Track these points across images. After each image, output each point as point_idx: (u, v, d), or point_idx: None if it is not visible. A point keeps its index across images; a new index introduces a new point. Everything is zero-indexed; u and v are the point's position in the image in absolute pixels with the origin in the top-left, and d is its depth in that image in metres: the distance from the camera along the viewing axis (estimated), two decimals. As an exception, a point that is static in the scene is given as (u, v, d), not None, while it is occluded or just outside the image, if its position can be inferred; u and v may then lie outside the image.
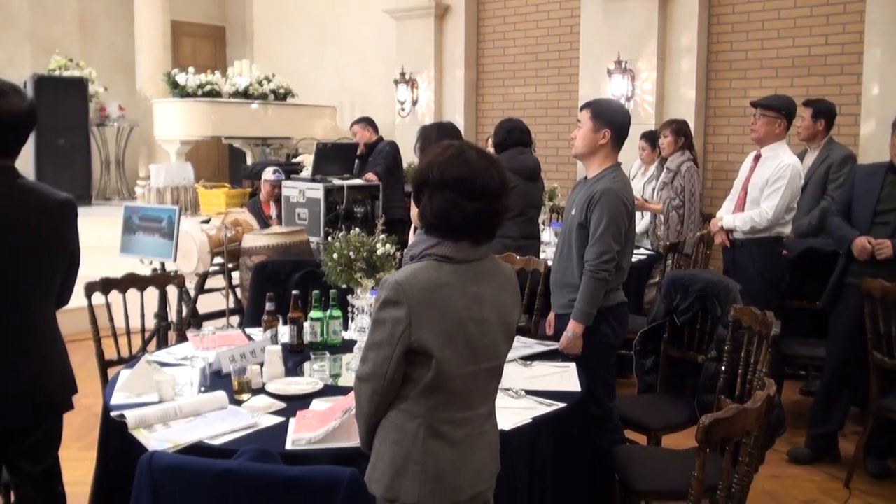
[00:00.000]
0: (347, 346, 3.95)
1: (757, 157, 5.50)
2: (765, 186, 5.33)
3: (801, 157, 6.03)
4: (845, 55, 7.94)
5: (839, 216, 5.09)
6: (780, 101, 5.48)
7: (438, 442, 2.41)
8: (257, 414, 3.11)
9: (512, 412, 3.13)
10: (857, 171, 5.28)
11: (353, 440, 2.64)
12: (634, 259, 5.23)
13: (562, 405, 3.27)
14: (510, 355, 3.72)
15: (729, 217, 5.49)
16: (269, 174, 7.74)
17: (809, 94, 6.93)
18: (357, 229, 3.95)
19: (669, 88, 8.79)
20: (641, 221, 7.11)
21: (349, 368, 3.57)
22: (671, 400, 4.52)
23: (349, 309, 4.11)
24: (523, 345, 4.13)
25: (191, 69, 10.94)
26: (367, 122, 8.75)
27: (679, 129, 7.28)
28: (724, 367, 4.07)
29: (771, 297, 5.18)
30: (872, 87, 7.65)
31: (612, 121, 4.04)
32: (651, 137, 7.69)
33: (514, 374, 3.62)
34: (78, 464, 4.40)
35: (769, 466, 4.76)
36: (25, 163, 9.85)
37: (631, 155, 7.59)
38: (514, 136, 5.77)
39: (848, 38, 7.91)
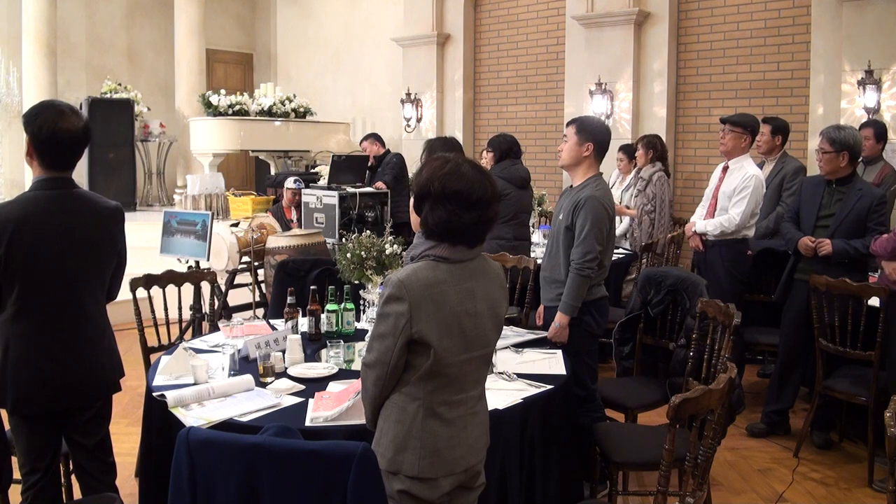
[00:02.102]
0: (360, 334, 3.94)
1: (725, 169, 5.49)
2: (732, 195, 5.33)
3: (760, 168, 6.02)
4: (794, 80, 7.95)
5: (790, 221, 5.11)
6: (746, 119, 5.48)
7: (436, 421, 2.40)
8: (280, 395, 3.11)
9: (505, 393, 3.13)
10: (804, 183, 5.30)
11: (363, 419, 2.63)
12: (614, 258, 5.20)
13: (549, 387, 3.26)
14: (504, 343, 3.77)
15: (701, 223, 5.48)
16: (290, 183, 7.73)
17: (764, 114, 6.93)
18: (368, 232, 3.96)
19: (644, 107, 8.77)
20: (621, 225, 7.09)
21: (360, 355, 3.56)
22: (646, 382, 4.50)
23: (361, 302, 4.12)
24: (515, 334, 4.13)
25: (222, 91, 10.95)
26: (376, 137, 8.76)
27: (651, 142, 7.27)
28: (691, 353, 4.07)
29: (735, 291, 5.18)
30: (818, 108, 7.68)
31: (594, 135, 4.03)
32: (628, 150, 7.68)
33: (508, 360, 3.61)
34: (126, 438, 4.42)
35: (730, 440, 4.76)
36: (80, 174, 9.87)
37: (610, 166, 7.59)
38: (507, 148, 5.77)
39: (796, 64, 7.93)
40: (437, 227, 2.40)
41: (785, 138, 6.24)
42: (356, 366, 3.49)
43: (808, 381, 5.20)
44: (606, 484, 3.71)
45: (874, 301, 4.60)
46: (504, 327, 2.86)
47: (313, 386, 3.22)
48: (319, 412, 2.87)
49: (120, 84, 11.22)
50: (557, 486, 3.27)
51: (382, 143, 8.73)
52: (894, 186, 5.96)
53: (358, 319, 4.14)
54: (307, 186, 7.79)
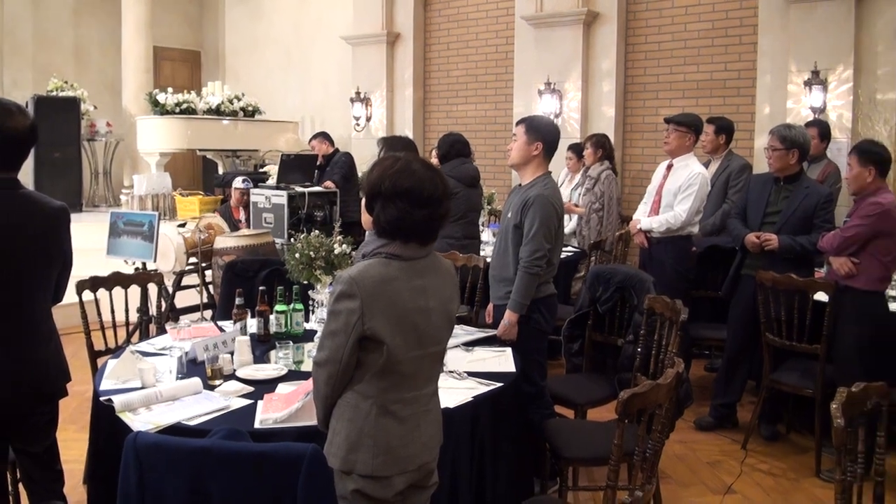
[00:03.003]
0: (309, 335, 3.92)
1: (669, 167, 5.57)
2: (678, 192, 5.41)
3: (705, 166, 6.11)
4: (741, 80, 8.07)
5: (737, 218, 5.19)
6: (690, 118, 5.57)
7: (389, 419, 2.40)
8: (229, 397, 3.08)
9: (456, 392, 3.14)
10: (751, 180, 5.40)
11: (314, 420, 2.61)
12: (563, 256, 5.25)
13: (499, 385, 3.28)
14: (455, 341, 3.78)
15: (647, 220, 5.56)
16: (238, 183, 7.68)
17: (711, 113, 7.04)
18: (317, 231, 3.93)
19: (592, 107, 8.84)
20: (569, 223, 7.15)
21: (310, 356, 3.54)
22: (595, 378, 4.54)
23: (310, 302, 4.09)
24: (465, 332, 4.14)
25: (170, 89, 10.82)
26: (325, 136, 8.73)
27: (599, 142, 7.33)
28: (639, 349, 4.11)
29: (681, 287, 5.25)
30: (764, 108, 7.80)
31: (543, 135, 4.04)
32: (576, 149, 7.73)
33: (458, 358, 3.62)
34: (73, 444, 4.33)
35: (679, 433, 4.83)
36: (25, 174, 9.58)
37: (559, 164, 7.65)
38: (457, 148, 5.77)
39: (743, 65, 8.06)
40: (388, 225, 2.40)
41: (729, 137, 6.35)
42: (306, 367, 3.48)
43: (754, 374, 5.27)
44: (556, 480, 3.74)
45: (820, 296, 4.70)
46: (455, 326, 2.87)
47: (262, 388, 3.20)
48: (269, 414, 2.85)
49: (66, 82, 11.04)
50: (508, 482, 3.29)
51: (332, 143, 8.70)
52: (839, 184, 6.10)
53: (307, 320, 4.12)
54: (255, 186, 7.74)
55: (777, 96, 7.64)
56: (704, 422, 5.28)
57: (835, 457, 2.49)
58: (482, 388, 3.24)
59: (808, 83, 7.27)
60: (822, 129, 6.28)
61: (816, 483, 4.50)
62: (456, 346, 3.79)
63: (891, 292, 4.92)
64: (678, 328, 3.76)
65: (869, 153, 4.48)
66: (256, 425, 2.79)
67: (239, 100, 11.21)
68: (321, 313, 3.89)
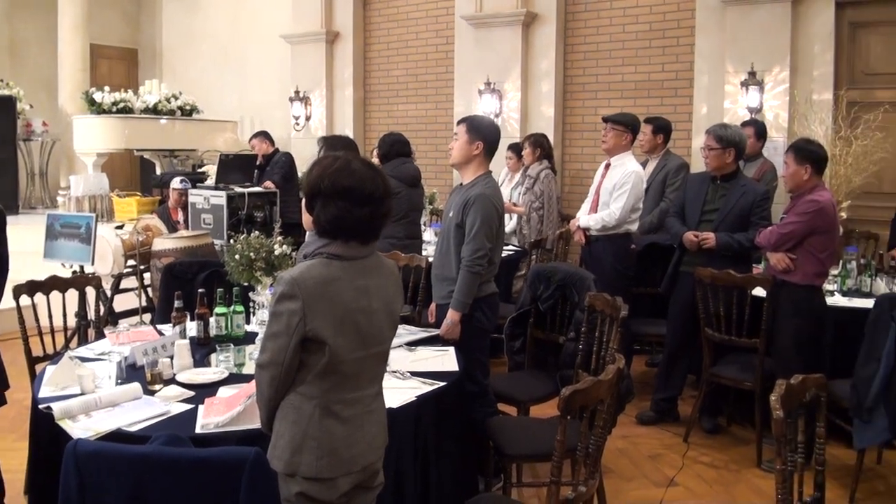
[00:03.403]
0: (250, 337, 3.88)
1: (607, 166, 5.64)
2: (613, 190, 5.48)
3: (644, 165, 6.20)
4: (679, 80, 8.19)
5: (675, 216, 5.28)
6: (627, 118, 5.65)
7: (332, 420, 2.39)
8: (169, 402, 3.04)
9: (399, 392, 3.14)
10: (689, 179, 5.51)
11: (257, 423, 2.59)
12: (504, 254, 5.28)
13: (442, 384, 3.29)
14: (397, 341, 3.77)
15: (585, 218, 5.62)
16: (176, 183, 7.58)
17: (649, 113, 7.11)
18: (257, 232, 3.91)
19: (532, 106, 8.90)
20: (510, 222, 7.19)
21: (251, 358, 3.51)
22: (537, 376, 4.58)
23: (251, 304, 4.05)
24: (408, 332, 4.14)
25: (106, 88, 10.60)
26: (265, 135, 8.66)
27: (537, 141, 7.39)
28: (581, 346, 4.15)
29: (621, 285, 5.31)
30: (701, 108, 7.93)
31: (484, 134, 4.06)
32: (516, 149, 7.77)
33: (401, 358, 3.62)
34: (13, 454, 4.22)
35: (621, 428, 4.88)
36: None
37: (500, 164, 7.70)
38: (397, 147, 5.77)
39: (681, 66, 8.17)
40: (329, 224, 2.39)
41: (667, 137, 6.46)
42: (247, 369, 3.45)
43: (695, 369, 5.37)
44: (501, 477, 3.76)
45: (758, 291, 4.80)
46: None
47: (203, 392, 3.16)
48: (210, 418, 2.82)
49: (1, 80, 10.75)
50: (452, 481, 3.30)
51: (272, 142, 8.64)
52: (775, 182, 6.23)
53: (248, 322, 4.08)
54: (194, 186, 7.64)
55: (714, 97, 7.77)
56: (646, 416, 5.36)
57: (775, 447, 2.55)
58: (425, 387, 3.24)
59: (744, 84, 7.40)
60: (759, 128, 6.41)
61: (757, 473, 4.61)
62: (399, 346, 3.79)
63: (828, 286, 5.08)
64: (619, 325, 3.81)
65: (805, 151, 4.59)
66: (197, 430, 2.76)
67: (176, 98, 11.05)
68: (262, 315, 3.85)
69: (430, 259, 4.64)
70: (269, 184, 7.90)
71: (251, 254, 3.74)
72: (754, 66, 7.35)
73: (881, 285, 5.24)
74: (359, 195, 2.37)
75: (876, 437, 4.28)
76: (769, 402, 2.58)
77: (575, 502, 2.85)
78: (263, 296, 3.84)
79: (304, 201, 2.48)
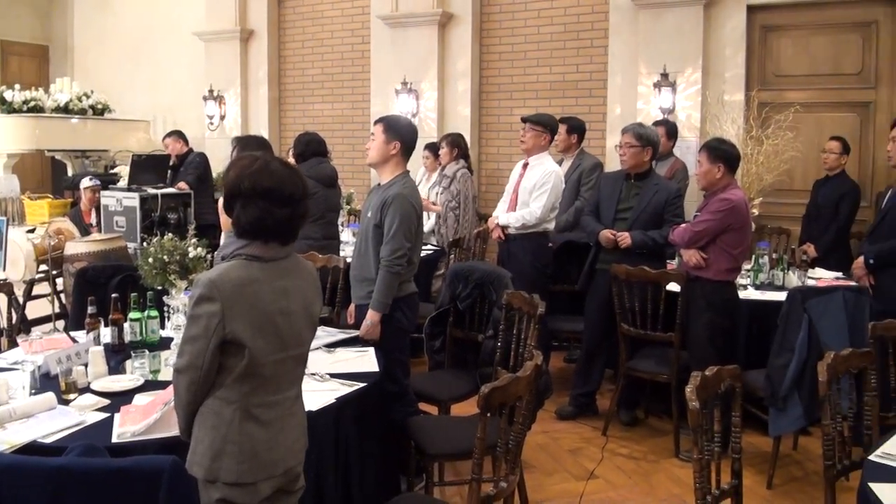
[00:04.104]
0: (165, 343, 3.80)
1: (525, 165, 5.70)
2: (533, 190, 5.54)
3: (558, 165, 6.28)
4: (593, 81, 8.33)
5: (590, 215, 5.37)
6: (545, 118, 5.72)
7: (252, 424, 2.36)
8: (84, 412, 2.96)
9: (318, 394, 3.12)
10: (603, 178, 5.60)
11: (174, 430, 2.55)
12: (423, 254, 5.28)
13: (362, 385, 3.28)
14: (316, 343, 3.73)
15: (504, 215, 5.67)
16: (86, 182, 7.41)
17: (564, 113, 7.19)
18: (170, 234, 3.83)
19: (448, 106, 8.93)
20: (428, 222, 7.20)
21: (167, 364, 3.43)
22: (457, 374, 4.59)
23: (165, 308, 3.97)
24: (327, 333, 4.10)
25: (17, 86, 10.21)
26: (179, 135, 8.51)
27: (454, 141, 7.42)
28: (499, 344, 4.19)
29: (539, 282, 5.37)
30: (615, 108, 8.09)
31: (401, 134, 4.06)
32: (433, 148, 7.79)
33: (320, 360, 3.59)
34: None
35: (540, 424, 4.92)
36: None
37: (417, 164, 7.70)
38: (313, 147, 5.71)
39: (595, 67, 8.31)
40: (250, 225, 2.36)
41: (581, 137, 6.56)
42: (163, 376, 3.37)
43: (612, 363, 5.46)
44: (423, 476, 3.76)
45: (672, 286, 4.91)
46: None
47: (119, 400, 3.09)
48: (126, 427, 2.75)
49: None
50: (374, 482, 3.30)
51: (186, 142, 8.50)
52: (687, 180, 6.39)
53: (163, 327, 3.99)
54: (106, 188, 7.46)
55: (627, 97, 7.93)
56: (565, 411, 5.43)
57: (692, 437, 2.62)
58: (345, 389, 3.23)
59: (657, 85, 7.57)
60: (669, 127, 6.57)
61: (675, 463, 4.72)
62: (318, 348, 3.76)
63: (741, 281, 5.24)
64: (537, 322, 3.86)
65: (718, 150, 4.71)
66: (114, 440, 2.70)
67: (88, 97, 10.71)
68: (177, 319, 3.78)
69: (348, 260, 4.62)
70: (182, 185, 7.77)
71: (165, 257, 3.67)
72: (667, 67, 7.52)
73: (793, 279, 5.43)
74: (279, 196, 2.36)
75: (791, 424, 4.46)
76: (685, 393, 2.64)
77: (496, 498, 2.88)
78: (178, 299, 3.77)
79: (221, 202, 2.45)
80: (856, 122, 7.32)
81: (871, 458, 2.69)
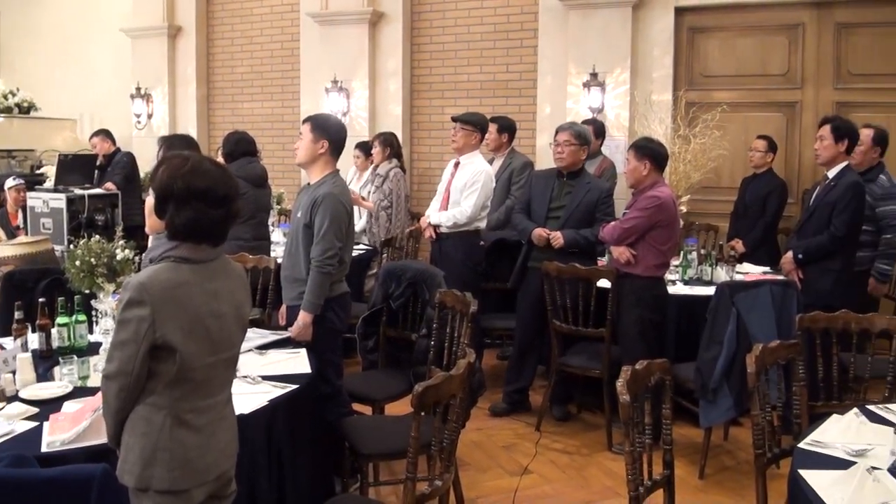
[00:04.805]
0: (94, 348, 3.71)
1: (457, 164, 5.72)
2: (464, 189, 5.56)
3: (489, 164, 6.32)
4: (523, 81, 8.37)
5: (521, 213, 5.42)
6: (476, 118, 5.75)
7: (184, 429, 2.32)
8: (12, 421, 2.88)
9: (250, 397, 3.08)
10: (534, 176, 5.65)
11: (104, 438, 2.48)
12: (355, 254, 5.26)
13: (295, 386, 3.26)
14: (247, 345, 3.69)
15: (436, 214, 5.68)
16: (10, 182, 7.21)
17: (495, 112, 7.22)
18: (98, 236, 3.75)
19: (379, 105, 8.90)
20: (360, 221, 7.17)
21: (97, 370, 3.35)
22: (391, 374, 4.59)
23: (94, 312, 3.88)
24: (258, 335, 4.06)
25: (-58, 84, 9.91)
26: (106, 134, 8.34)
27: (387, 140, 7.40)
28: (432, 342, 4.20)
29: (471, 281, 5.40)
30: (545, 108, 8.14)
31: (329, 133, 4.03)
32: (365, 147, 7.76)
33: (251, 363, 3.55)
34: None
35: (474, 421, 4.95)
36: None
37: (348, 163, 7.67)
38: (242, 146, 5.66)
39: (524, 67, 8.36)
40: (184, 227, 2.32)
41: (511, 136, 6.62)
42: (92, 382, 3.29)
43: (544, 359, 5.52)
44: (357, 477, 3.75)
45: (603, 283, 4.98)
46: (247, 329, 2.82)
47: (47, 408, 3.01)
48: (56, 435, 2.69)
49: None
50: (308, 484, 3.28)
51: (113, 141, 8.33)
52: (615, 179, 6.48)
53: (91, 332, 3.90)
54: (32, 189, 7.27)
55: (557, 97, 7.99)
56: (499, 408, 5.47)
57: (623, 431, 2.66)
58: (278, 391, 3.20)
59: (586, 85, 7.64)
60: (597, 126, 6.65)
61: (608, 456, 4.81)
62: (249, 350, 3.72)
63: (670, 276, 5.34)
64: (469, 320, 3.88)
65: (644, 148, 4.80)
66: (44, 449, 2.63)
67: (14, 95, 10.40)
68: (106, 323, 3.70)
69: (279, 260, 4.57)
70: (110, 185, 7.61)
71: (92, 259, 3.60)
72: (596, 67, 7.60)
73: (721, 274, 5.56)
74: (213, 197, 2.32)
75: (721, 415, 4.58)
76: (616, 388, 2.69)
77: (431, 497, 2.89)
78: (106, 303, 3.70)
79: (149, 203, 2.40)
80: (782, 122, 7.51)
81: (801, 445, 2.76)
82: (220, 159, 5.71)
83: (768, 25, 7.53)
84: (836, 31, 7.30)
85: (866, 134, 5.46)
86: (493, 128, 6.45)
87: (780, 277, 5.13)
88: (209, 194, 2.32)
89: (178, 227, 2.33)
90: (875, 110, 6.93)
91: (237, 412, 2.63)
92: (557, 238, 5.13)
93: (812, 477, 2.47)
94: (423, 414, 2.72)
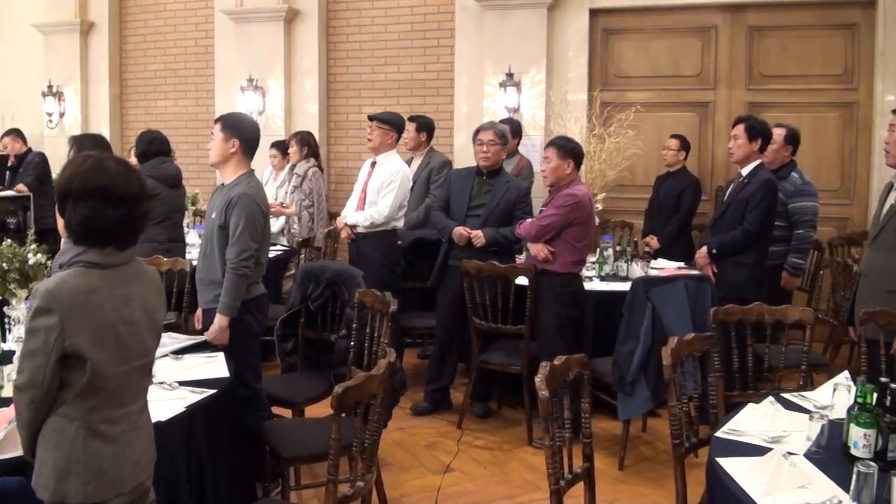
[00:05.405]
0: (7, 356, 3.54)
1: (373, 164, 5.70)
2: (381, 188, 5.55)
3: (408, 163, 6.33)
4: (440, 80, 8.40)
5: (440, 211, 5.43)
6: (392, 117, 5.75)
7: (98, 441, 2.25)
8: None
9: (167, 404, 3.00)
10: (453, 175, 5.67)
11: (21, 450, 2.40)
12: (272, 254, 5.21)
13: (213, 391, 3.19)
14: (163, 350, 3.61)
15: (353, 214, 5.66)
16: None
17: (413, 112, 7.24)
18: (9, 240, 3.63)
19: (296, 104, 8.82)
20: (277, 221, 7.09)
21: (10, 380, 3.22)
22: (311, 376, 4.54)
23: (5, 320, 3.74)
24: (174, 340, 3.95)
25: None
26: (17, 133, 8.11)
27: (304, 139, 7.35)
28: (352, 343, 4.18)
29: (390, 280, 5.39)
30: (462, 107, 8.19)
31: (240, 131, 3.97)
32: (281, 147, 7.69)
33: (168, 368, 3.46)
34: None
35: (396, 421, 4.93)
36: None
37: (265, 162, 7.59)
38: (156, 146, 5.52)
39: (442, 66, 8.39)
40: (80, 227, 2.24)
41: (430, 135, 6.63)
42: (6, 392, 3.16)
43: (465, 357, 5.55)
44: (279, 481, 3.71)
45: (521, 280, 5.02)
46: (163, 334, 2.75)
47: (-39, 419, 2.88)
48: (-29, 448, 2.58)
49: None
50: (229, 490, 3.23)
51: (24, 141, 8.11)
52: (532, 177, 6.54)
53: (3, 339, 3.75)
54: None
55: (474, 96, 8.04)
56: (420, 407, 5.48)
57: (543, 425, 2.68)
58: (195, 396, 3.13)
59: (503, 84, 7.71)
60: (514, 126, 6.70)
61: (529, 451, 4.86)
62: (165, 356, 3.63)
63: (587, 273, 5.42)
64: (389, 320, 3.87)
65: (566, 147, 4.88)
66: (-41, 462, 2.52)
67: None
68: (18, 331, 3.57)
69: (195, 263, 4.49)
70: (21, 187, 7.40)
71: (4, 264, 3.48)
72: (512, 67, 7.67)
73: (636, 269, 5.67)
74: (111, 195, 2.24)
75: (639, 407, 4.68)
76: (535, 383, 2.70)
77: (353, 498, 2.87)
78: (19, 310, 3.57)
79: (56, 204, 2.32)
80: (695, 121, 7.70)
81: (718, 434, 2.84)
82: (133, 159, 5.58)
83: (682, 28, 7.71)
84: (748, 34, 7.53)
85: (779, 133, 5.64)
86: (411, 127, 6.46)
87: (695, 272, 5.25)
88: (106, 193, 2.24)
89: (74, 227, 2.26)
90: (786, 110, 7.17)
91: (154, 419, 2.57)
92: (479, 237, 5.16)
93: (729, 464, 2.54)
94: (343, 415, 2.70)
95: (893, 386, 2.55)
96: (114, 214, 2.25)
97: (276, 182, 7.59)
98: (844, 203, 7.37)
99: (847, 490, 2.30)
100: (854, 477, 2.26)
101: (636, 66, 7.86)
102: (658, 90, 7.77)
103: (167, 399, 3.07)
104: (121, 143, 9.67)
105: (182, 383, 3.27)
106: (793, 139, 5.78)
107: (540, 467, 4.43)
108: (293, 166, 7.32)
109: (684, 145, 6.88)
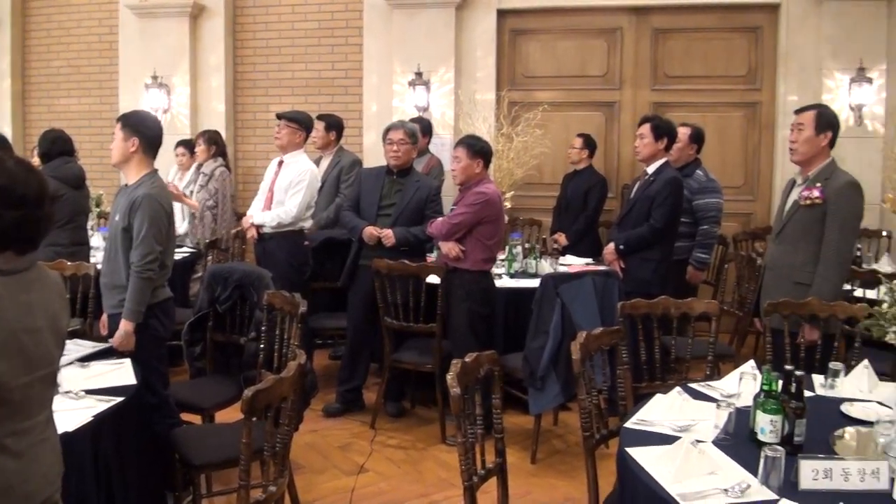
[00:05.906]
0: None
1: (281, 163, 5.65)
2: (289, 188, 5.52)
3: (317, 162, 6.29)
4: (349, 79, 8.39)
5: (350, 211, 5.42)
6: (300, 115, 5.72)
7: (3, 456, 2.15)
8: None
9: (74, 413, 2.93)
10: (363, 174, 5.66)
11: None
12: (178, 257, 5.11)
13: (120, 399, 3.13)
14: (68, 358, 3.51)
15: (259, 214, 5.60)
16: None
17: (321, 110, 7.19)
18: None
19: (202, 102, 8.66)
20: (183, 223, 6.96)
21: None
22: (221, 380, 4.46)
23: None
24: (79, 347, 3.85)
25: None
26: None
27: (211, 138, 7.25)
28: (262, 345, 4.13)
29: (298, 281, 5.36)
30: (371, 105, 8.19)
31: (140, 130, 3.90)
32: (188, 145, 7.56)
33: (73, 377, 3.37)
34: None
35: (308, 423, 4.91)
36: None
37: (170, 161, 7.46)
38: (59, 145, 5.38)
39: (350, 65, 8.37)
40: None
41: (339, 134, 6.61)
42: None
43: (377, 357, 5.55)
44: (190, 489, 3.64)
45: (432, 279, 5.05)
46: (67, 341, 2.66)
47: None
48: None
49: None
50: (139, 500, 3.17)
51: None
52: (442, 176, 6.58)
53: None
54: None
55: (383, 95, 8.05)
56: (332, 408, 5.45)
57: (456, 423, 2.71)
58: (102, 405, 3.06)
59: (412, 83, 7.74)
60: (424, 125, 6.72)
61: (443, 449, 4.89)
62: (70, 364, 3.53)
63: (496, 270, 5.48)
64: (298, 321, 3.84)
65: (476, 146, 4.94)
66: None
67: None
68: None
69: (99, 266, 4.37)
70: None
71: None
72: (421, 66, 7.71)
73: (545, 266, 5.77)
74: (9, 196, 2.14)
75: (550, 402, 4.77)
76: (447, 381, 2.73)
77: (266, 503, 2.84)
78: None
79: None
80: (601, 121, 7.87)
81: (627, 425, 2.90)
82: (36, 160, 5.41)
83: (588, 29, 7.87)
84: (652, 36, 7.75)
85: (684, 132, 5.80)
86: (320, 126, 6.42)
87: (602, 268, 5.36)
88: (5, 194, 2.13)
89: None
90: (689, 110, 7.39)
91: (60, 430, 2.48)
92: (389, 236, 5.17)
93: (639, 454, 2.60)
94: (254, 419, 2.68)
95: (798, 373, 2.66)
96: (10, 216, 2.15)
97: (182, 181, 7.44)
98: (748, 199, 7.65)
99: (755, 474, 2.37)
100: (762, 461, 2.35)
101: (543, 66, 7.98)
102: (565, 90, 7.91)
103: (73, 409, 2.99)
104: (23, 142, 9.33)
105: (88, 392, 3.19)
106: (697, 138, 5.96)
107: (454, 465, 4.44)
108: (200, 165, 7.21)
109: (588, 144, 7.02)
